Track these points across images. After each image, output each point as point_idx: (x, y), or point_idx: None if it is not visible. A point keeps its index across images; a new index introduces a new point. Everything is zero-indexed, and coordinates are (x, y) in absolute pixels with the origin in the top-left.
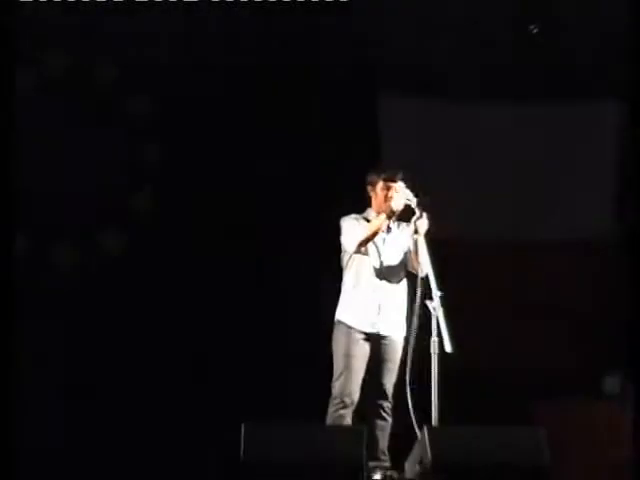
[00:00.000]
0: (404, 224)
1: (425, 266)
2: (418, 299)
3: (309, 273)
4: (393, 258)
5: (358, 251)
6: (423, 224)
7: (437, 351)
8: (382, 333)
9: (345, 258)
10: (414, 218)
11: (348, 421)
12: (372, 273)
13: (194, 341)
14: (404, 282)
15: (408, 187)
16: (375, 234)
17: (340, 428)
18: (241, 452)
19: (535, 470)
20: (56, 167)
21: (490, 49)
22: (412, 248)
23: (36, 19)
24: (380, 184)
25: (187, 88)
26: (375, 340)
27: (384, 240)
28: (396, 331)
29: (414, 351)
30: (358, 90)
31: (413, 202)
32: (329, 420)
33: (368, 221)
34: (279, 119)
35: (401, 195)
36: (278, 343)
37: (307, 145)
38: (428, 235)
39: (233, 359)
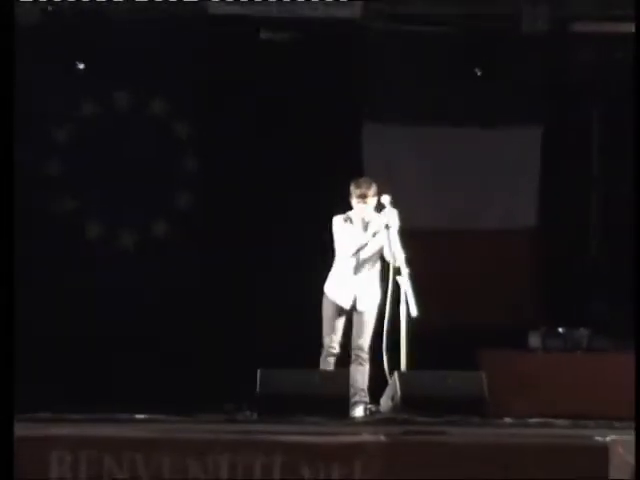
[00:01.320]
0: (377, 221)
1: (398, 254)
2: (391, 278)
3: (308, 254)
4: (370, 250)
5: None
6: (394, 221)
7: (405, 315)
8: (358, 308)
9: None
10: (384, 212)
11: (333, 366)
12: (354, 260)
13: (220, 304)
14: (377, 267)
15: (381, 191)
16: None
17: (331, 371)
18: (257, 388)
19: (477, 400)
20: (124, 176)
21: (446, 87)
22: (385, 241)
23: (101, 50)
24: (355, 197)
25: (215, 115)
26: (352, 311)
27: (362, 235)
28: (369, 305)
29: (388, 316)
30: (346, 117)
31: (387, 204)
32: (321, 365)
33: (351, 221)
34: (287, 143)
35: (370, 205)
36: (283, 309)
37: (309, 158)
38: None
39: (250, 321)
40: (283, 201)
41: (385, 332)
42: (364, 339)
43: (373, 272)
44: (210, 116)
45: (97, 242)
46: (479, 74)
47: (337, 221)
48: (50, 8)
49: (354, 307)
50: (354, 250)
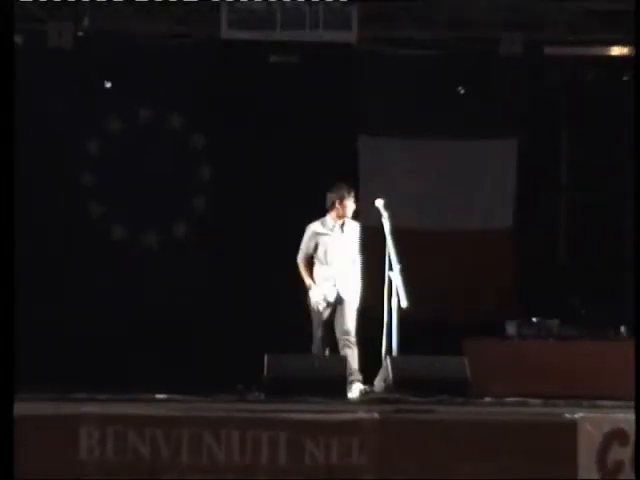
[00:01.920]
0: (353, 223)
1: (393, 257)
2: (387, 274)
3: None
4: (346, 248)
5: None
6: (387, 224)
7: (397, 306)
8: (342, 300)
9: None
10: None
11: (326, 352)
12: (332, 257)
13: (233, 297)
14: (359, 262)
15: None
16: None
17: (329, 356)
18: (264, 372)
19: (460, 382)
20: (146, 183)
21: (432, 104)
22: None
23: (126, 71)
24: (337, 200)
25: (227, 129)
26: (337, 303)
27: (340, 236)
28: (352, 296)
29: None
30: (344, 130)
31: (381, 207)
32: (314, 350)
33: (328, 225)
34: (291, 153)
35: (350, 206)
36: (286, 301)
37: (311, 166)
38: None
39: (259, 312)
40: (286, 205)
41: (385, 322)
42: (350, 325)
43: (355, 267)
44: (223, 130)
45: (122, 242)
46: (462, 92)
47: (313, 226)
48: (81, 34)
49: (338, 299)
50: (333, 251)
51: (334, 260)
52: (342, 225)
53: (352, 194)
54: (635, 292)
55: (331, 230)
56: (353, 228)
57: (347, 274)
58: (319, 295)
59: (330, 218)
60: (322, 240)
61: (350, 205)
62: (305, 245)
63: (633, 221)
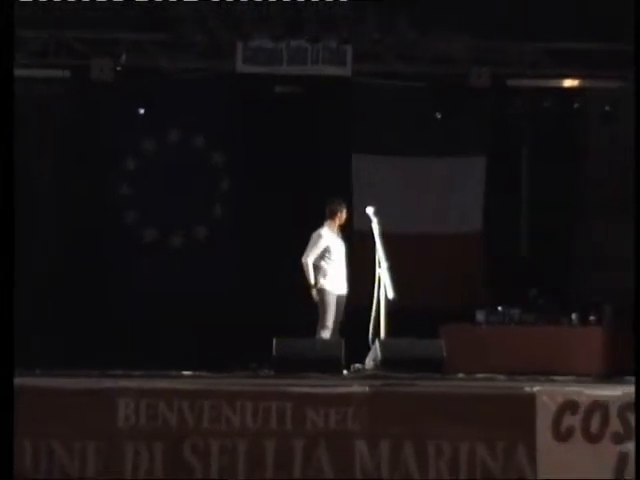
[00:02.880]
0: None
1: (381, 256)
2: (376, 271)
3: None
4: (343, 251)
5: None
6: (377, 229)
7: (384, 297)
8: (342, 293)
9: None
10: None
11: (328, 336)
12: (338, 259)
13: (248, 290)
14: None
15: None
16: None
17: (328, 339)
18: (273, 352)
19: (438, 361)
20: (174, 193)
21: (415, 127)
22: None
23: (157, 99)
24: (334, 212)
25: (242, 148)
26: (339, 296)
27: (338, 240)
28: (345, 291)
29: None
30: (340, 149)
31: (371, 214)
32: (317, 336)
33: (328, 231)
34: (295, 168)
35: (344, 217)
36: (292, 293)
37: (312, 179)
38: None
39: (270, 302)
40: (291, 212)
41: (374, 311)
42: (342, 315)
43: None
44: (239, 148)
45: (153, 243)
46: (439, 117)
47: (324, 232)
48: (119, 68)
49: (341, 295)
50: (338, 253)
51: (338, 260)
52: (338, 231)
53: (342, 208)
54: (635, 292)
55: (337, 236)
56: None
57: (344, 274)
58: (338, 288)
59: (333, 226)
60: (332, 243)
61: (339, 217)
62: (318, 248)
63: (634, 221)
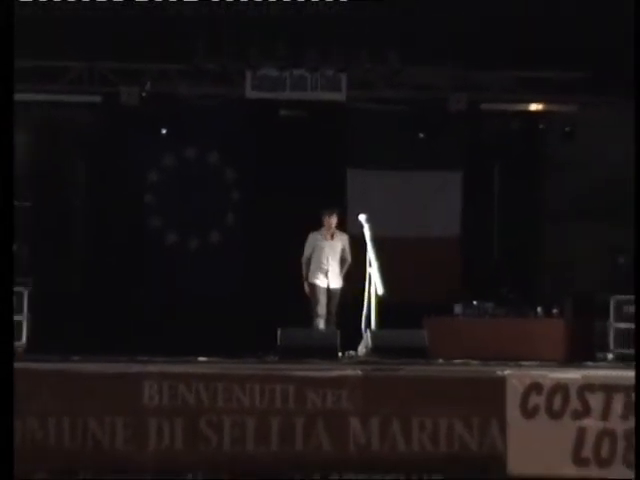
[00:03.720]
0: (342, 234)
1: (372, 257)
2: (367, 270)
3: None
4: (335, 252)
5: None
6: (368, 233)
7: (375, 293)
8: (330, 286)
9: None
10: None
11: (322, 326)
12: (325, 258)
13: (256, 287)
14: (347, 261)
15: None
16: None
17: (325, 329)
18: (278, 341)
19: (421, 348)
20: (192, 202)
21: (401, 145)
22: (347, 247)
23: (177, 120)
24: (326, 218)
25: (251, 163)
26: (327, 289)
27: (330, 242)
28: (337, 285)
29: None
30: (337, 165)
31: (363, 220)
32: (314, 326)
33: (322, 234)
34: (297, 182)
35: (333, 223)
36: (293, 290)
37: (312, 190)
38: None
39: (276, 297)
40: (293, 219)
41: (365, 306)
42: (335, 307)
43: (344, 265)
44: (248, 164)
45: (173, 246)
46: (422, 137)
47: (312, 236)
48: (144, 94)
49: (328, 287)
50: (324, 252)
51: (324, 260)
52: (332, 235)
53: (334, 215)
54: (635, 292)
55: (324, 239)
56: (341, 237)
57: (334, 270)
58: (327, 282)
59: (323, 230)
60: (320, 245)
61: (333, 222)
62: (307, 249)
63: (634, 221)
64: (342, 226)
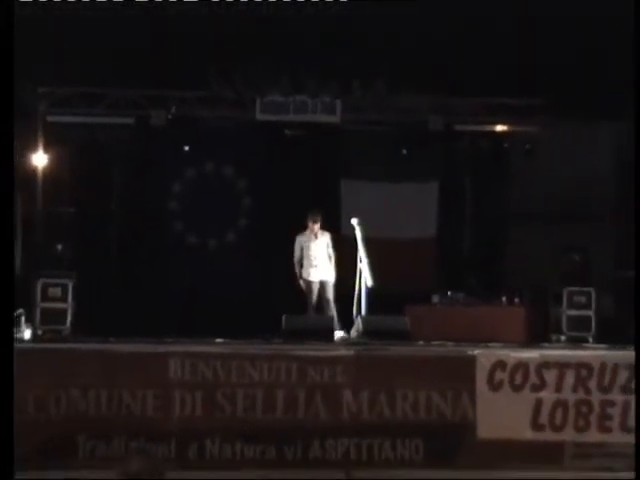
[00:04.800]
0: (324, 233)
1: (362, 254)
2: (358, 265)
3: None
4: (321, 249)
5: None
6: (359, 234)
7: (365, 284)
8: (322, 279)
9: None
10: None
11: (314, 313)
12: (313, 255)
13: (263, 281)
14: (332, 257)
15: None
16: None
17: (322, 315)
18: (283, 325)
19: (404, 332)
20: (210, 208)
21: (388, 160)
22: (330, 243)
23: (196, 139)
24: (310, 223)
25: (259, 176)
26: (319, 282)
27: (315, 241)
28: (328, 278)
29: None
30: (333, 177)
31: (355, 223)
32: (309, 311)
33: (306, 236)
34: (298, 191)
35: (316, 225)
36: (295, 283)
37: (312, 199)
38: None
39: (281, 289)
40: (295, 224)
41: (356, 296)
42: (330, 296)
43: (327, 260)
44: (257, 176)
45: (194, 245)
46: (405, 152)
47: (298, 237)
48: (170, 117)
49: (320, 279)
50: (311, 250)
51: (313, 257)
52: (315, 235)
53: (317, 218)
54: (635, 292)
55: (309, 240)
56: (324, 236)
57: (324, 265)
58: (317, 275)
59: (308, 231)
60: (307, 244)
61: (316, 225)
62: (296, 250)
63: (634, 220)
64: (337, 229)
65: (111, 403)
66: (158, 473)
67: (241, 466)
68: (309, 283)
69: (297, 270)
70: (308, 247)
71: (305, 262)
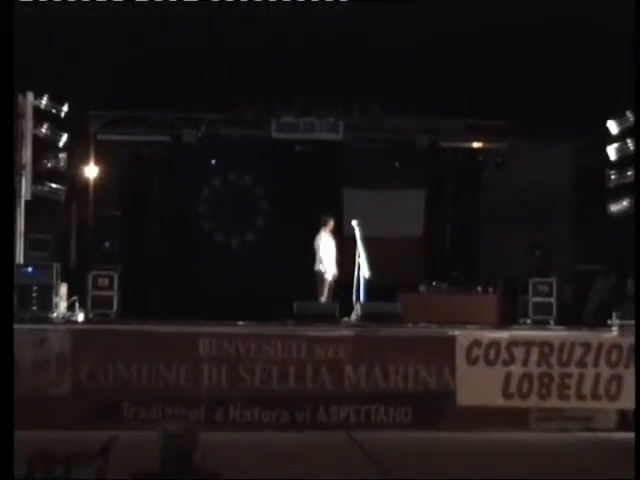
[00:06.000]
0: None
1: (361, 251)
2: (356, 260)
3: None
4: (331, 247)
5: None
6: (358, 234)
7: (363, 276)
8: (334, 272)
9: (318, 250)
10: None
11: (325, 298)
12: (327, 252)
13: (278, 273)
14: (335, 255)
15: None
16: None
17: (327, 302)
18: (294, 310)
19: (396, 316)
20: (232, 211)
21: (384, 171)
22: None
23: (220, 154)
24: (329, 221)
25: (274, 184)
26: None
27: (331, 240)
28: (333, 273)
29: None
30: (336, 186)
31: (355, 224)
32: (324, 299)
33: (322, 236)
34: (305, 198)
35: (331, 225)
36: (304, 275)
37: (316, 206)
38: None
39: (294, 280)
40: (304, 226)
41: (355, 284)
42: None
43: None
44: (273, 185)
45: (220, 243)
46: (397, 165)
47: (318, 237)
48: (200, 135)
49: (334, 273)
50: (329, 247)
51: (329, 253)
52: (329, 236)
53: (332, 220)
54: (635, 292)
55: (329, 237)
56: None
57: (333, 261)
58: (330, 269)
59: (325, 230)
60: (324, 242)
61: (332, 223)
62: (321, 249)
63: (634, 220)
64: (339, 229)
65: (150, 375)
66: (193, 433)
67: (259, 428)
68: (321, 275)
69: (320, 265)
70: (326, 245)
71: (322, 256)
